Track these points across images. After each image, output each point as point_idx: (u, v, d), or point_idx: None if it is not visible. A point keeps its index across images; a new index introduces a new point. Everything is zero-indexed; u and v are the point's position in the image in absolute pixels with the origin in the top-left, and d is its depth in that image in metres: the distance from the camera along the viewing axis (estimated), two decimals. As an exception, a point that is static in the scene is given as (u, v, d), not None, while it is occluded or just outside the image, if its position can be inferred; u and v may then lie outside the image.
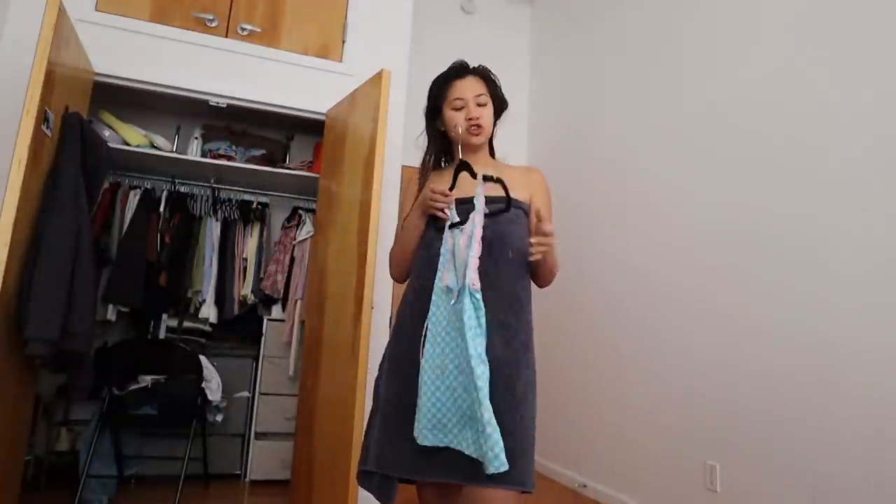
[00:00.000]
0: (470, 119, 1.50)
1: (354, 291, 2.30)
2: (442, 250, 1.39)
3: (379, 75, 2.41)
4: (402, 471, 1.36)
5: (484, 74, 1.58)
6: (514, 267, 1.44)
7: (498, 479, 1.26)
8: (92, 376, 2.44)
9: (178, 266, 3.14)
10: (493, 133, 1.61)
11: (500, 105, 1.60)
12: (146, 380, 2.86)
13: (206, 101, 2.89)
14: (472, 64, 1.59)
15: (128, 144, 2.95)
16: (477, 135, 1.52)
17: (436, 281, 1.38)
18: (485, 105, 1.53)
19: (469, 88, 1.53)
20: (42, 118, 1.99)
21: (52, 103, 2.07)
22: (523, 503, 1.32)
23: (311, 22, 3.08)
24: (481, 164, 1.53)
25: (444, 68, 1.61)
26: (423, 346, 1.34)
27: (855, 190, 2.10)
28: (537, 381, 1.41)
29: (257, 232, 3.38)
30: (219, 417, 2.99)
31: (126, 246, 2.96)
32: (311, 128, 3.30)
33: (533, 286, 1.52)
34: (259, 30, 2.96)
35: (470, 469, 1.29)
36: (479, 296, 1.29)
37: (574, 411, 3.51)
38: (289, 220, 3.52)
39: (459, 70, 1.56)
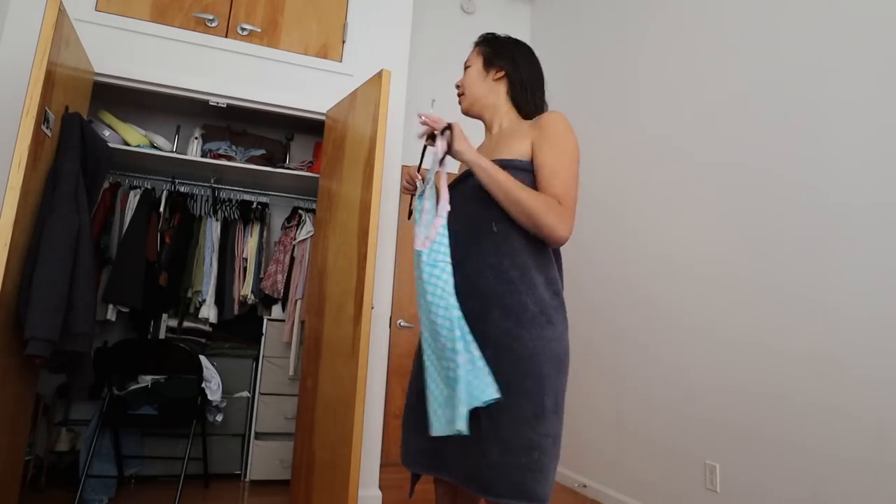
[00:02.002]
0: (456, 88, 1.52)
1: (354, 291, 2.30)
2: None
3: (379, 75, 2.41)
4: (412, 465, 1.35)
5: (483, 38, 1.52)
6: (500, 241, 1.27)
7: (495, 492, 1.16)
8: (92, 376, 2.45)
9: (178, 266, 3.14)
10: (521, 99, 1.45)
11: (493, 63, 1.46)
12: (146, 380, 2.86)
13: (206, 101, 2.89)
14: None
15: (128, 144, 2.95)
16: (460, 103, 1.51)
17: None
18: (468, 67, 1.49)
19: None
20: (42, 118, 1.99)
21: (52, 103, 2.07)
22: None
23: (311, 22, 3.08)
24: (497, 129, 1.45)
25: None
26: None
27: (856, 193, 2.10)
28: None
29: (257, 232, 3.38)
30: (219, 417, 2.99)
31: (126, 246, 2.96)
32: (311, 128, 3.30)
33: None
34: (259, 30, 2.96)
35: (469, 474, 1.22)
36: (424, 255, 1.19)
37: (574, 411, 3.50)
38: (289, 220, 3.52)
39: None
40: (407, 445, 1.36)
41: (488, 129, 1.50)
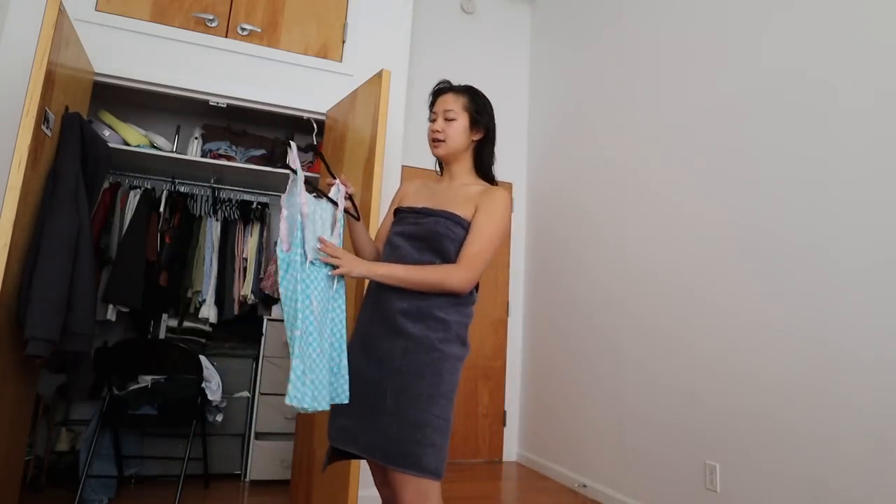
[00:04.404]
0: (433, 132, 1.62)
1: (354, 291, 2.30)
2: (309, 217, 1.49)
3: (379, 75, 2.41)
4: (334, 440, 1.53)
5: (466, 91, 1.64)
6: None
7: (388, 460, 1.39)
8: (92, 376, 2.44)
9: (178, 266, 3.14)
10: (483, 155, 1.65)
11: (478, 124, 1.62)
12: (146, 380, 2.86)
13: (206, 101, 2.89)
14: (465, 83, 1.67)
15: (128, 144, 2.95)
16: (435, 147, 1.63)
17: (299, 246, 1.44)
18: (453, 120, 1.60)
19: (442, 104, 1.62)
20: (42, 118, 1.99)
21: (52, 103, 2.07)
22: (424, 492, 1.40)
23: (311, 22, 3.08)
24: (457, 180, 1.64)
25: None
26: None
27: (862, 190, 2.10)
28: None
29: (257, 232, 3.38)
30: (219, 417, 2.99)
31: (126, 246, 2.96)
32: (312, 128, 3.30)
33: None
34: (259, 30, 2.97)
35: (375, 446, 1.43)
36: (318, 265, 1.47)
37: (574, 411, 3.51)
38: (289, 220, 3.51)
39: (443, 87, 1.66)
40: (333, 423, 1.54)
41: (446, 172, 1.68)
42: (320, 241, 1.45)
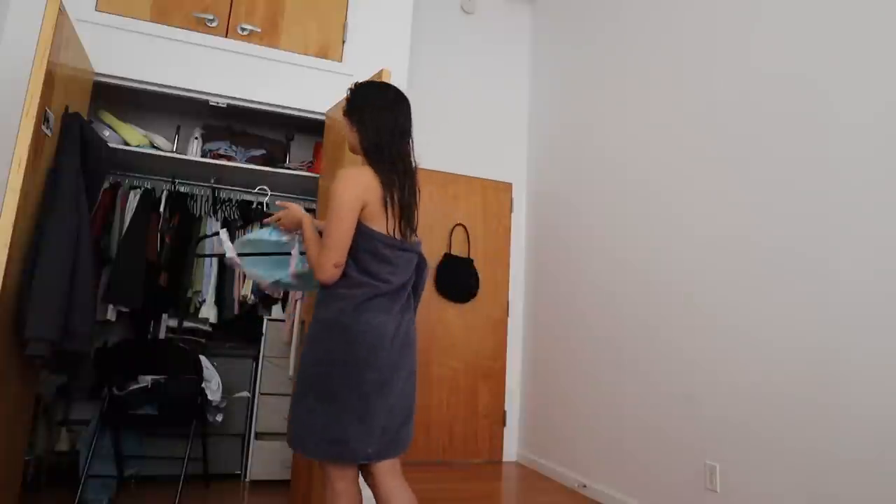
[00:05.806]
0: None
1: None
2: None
3: (379, 75, 2.41)
4: None
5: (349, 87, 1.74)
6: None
7: (287, 439, 1.62)
8: (92, 376, 2.44)
9: (179, 266, 3.14)
10: (368, 145, 1.65)
11: (349, 117, 1.68)
12: (146, 380, 2.86)
13: (206, 101, 2.89)
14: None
15: (128, 144, 2.95)
16: None
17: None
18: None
19: None
20: (42, 118, 1.99)
21: (52, 103, 2.07)
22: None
23: (311, 22, 3.08)
24: None
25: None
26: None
27: (862, 194, 2.09)
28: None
29: (257, 232, 3.37)
30: (219, 417, 2.98)
31: (126, 246, 2.96)
32: (311, 128, 3.30)
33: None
34: (259, 30, 2.97)
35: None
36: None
37: (574, 411, 3.51)
38: (289, 220, 3.51)
39: None
40: None
41: None
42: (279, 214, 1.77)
